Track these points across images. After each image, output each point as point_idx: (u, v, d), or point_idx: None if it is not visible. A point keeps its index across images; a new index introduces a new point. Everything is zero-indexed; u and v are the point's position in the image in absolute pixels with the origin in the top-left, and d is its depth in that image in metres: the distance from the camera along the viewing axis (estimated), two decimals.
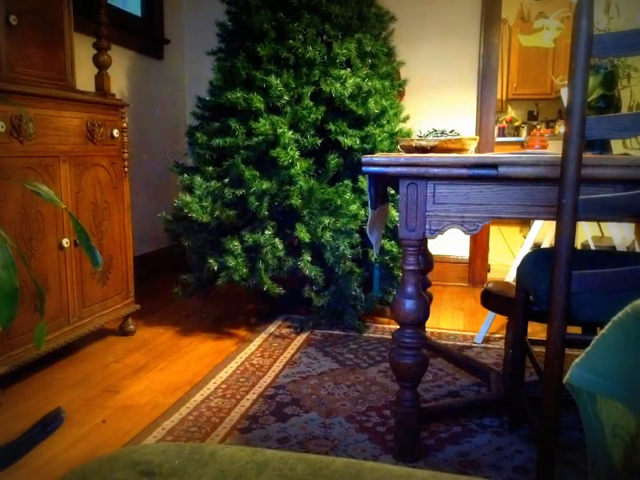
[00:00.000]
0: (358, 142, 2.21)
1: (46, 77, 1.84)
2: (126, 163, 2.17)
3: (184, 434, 1.51)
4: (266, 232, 2.15)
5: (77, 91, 1.96)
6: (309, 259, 2.15)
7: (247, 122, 2.17)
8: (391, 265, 2.34)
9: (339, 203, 2.13)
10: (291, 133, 2.14)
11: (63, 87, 1.89)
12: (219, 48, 2.44)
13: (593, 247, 2.58)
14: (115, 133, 2.09)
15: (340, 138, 2.19)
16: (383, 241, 2.30)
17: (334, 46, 2.24)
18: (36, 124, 1.72)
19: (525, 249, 2.31)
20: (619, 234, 2.40)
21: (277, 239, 2.14)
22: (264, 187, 2.10)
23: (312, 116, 2.16)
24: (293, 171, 2.11)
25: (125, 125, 2.14)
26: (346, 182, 2.24)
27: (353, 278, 2.22)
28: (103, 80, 2.14)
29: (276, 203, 2.19)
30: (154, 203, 3.04)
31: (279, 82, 2.15)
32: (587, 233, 2.72)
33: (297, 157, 2.12)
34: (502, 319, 2.21)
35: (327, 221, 2.11)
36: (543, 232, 2.37)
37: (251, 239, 2.13)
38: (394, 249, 2.30)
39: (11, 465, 1.03)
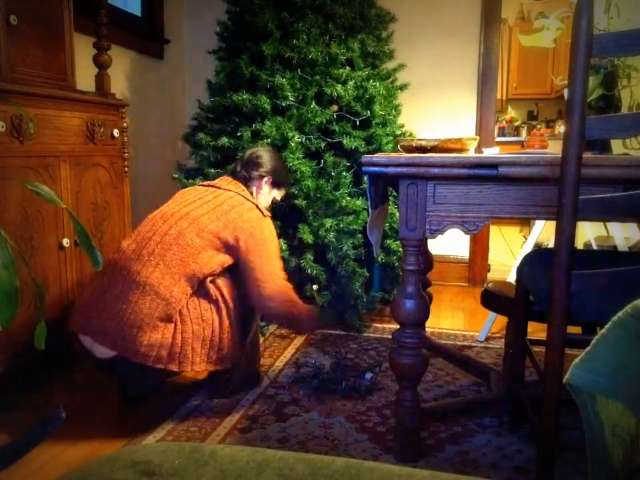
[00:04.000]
0: (363, 145, 2.21)
1: (46, 77, 1.84)
2: (126, 163, 2.17)
3: (184, 434, 1.51)
4: None
5: (77, 91, 1.96)
6: (312, 257, 2.15)
7: (252, 124, 2.17)
8: (397, 264, 2.34)
9: (343, 204, 2.14)
10: (297, 136, 2.14)
11: (63, 87, 1.89)
12: (220, 47, 2.43)
13: (595, 247, 2.58)
14: (115, 132, 2.09)
15: (344, 141, 2.19)
16: (389, 241, 2.31)
17: (332, 46, 2.23)
18: (36, 124, 1.72)
19: (526, 248, 2.31)
20: (620, 234, 2.40)
21: (280, 240, 2.14)
22: None
23: (317, 119, 2.16)
24: (299, 175, 2.11)
25: (125, 124, 2.14)
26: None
27: (355, 277, 2.22)
28: (103, 80, 2.14)
29: (280, 204, 2.19)
30: (154, 203, 3.03)
31: (285, 82, 2.15)
32: (589, 232, 2.72)
33: (302, 160, 2.12)
34: (502, 319, 2.21)
35: (329, 224, 2.10)
36: (547, 232, 2.36)
37: None
38: (400, 250, 2.30)
39: (11, 464, 1.03)
